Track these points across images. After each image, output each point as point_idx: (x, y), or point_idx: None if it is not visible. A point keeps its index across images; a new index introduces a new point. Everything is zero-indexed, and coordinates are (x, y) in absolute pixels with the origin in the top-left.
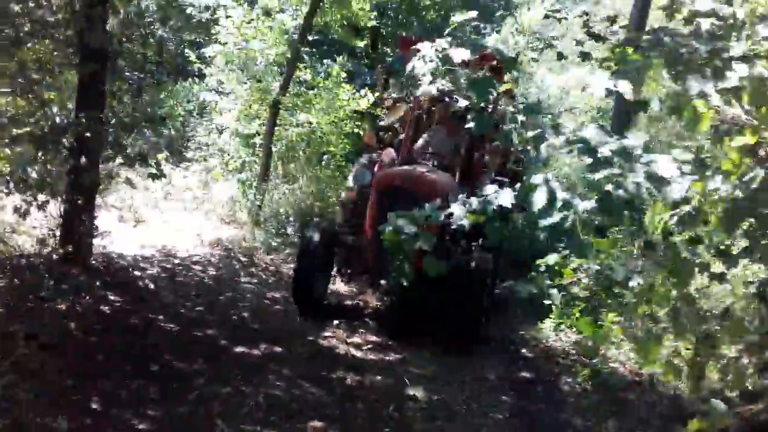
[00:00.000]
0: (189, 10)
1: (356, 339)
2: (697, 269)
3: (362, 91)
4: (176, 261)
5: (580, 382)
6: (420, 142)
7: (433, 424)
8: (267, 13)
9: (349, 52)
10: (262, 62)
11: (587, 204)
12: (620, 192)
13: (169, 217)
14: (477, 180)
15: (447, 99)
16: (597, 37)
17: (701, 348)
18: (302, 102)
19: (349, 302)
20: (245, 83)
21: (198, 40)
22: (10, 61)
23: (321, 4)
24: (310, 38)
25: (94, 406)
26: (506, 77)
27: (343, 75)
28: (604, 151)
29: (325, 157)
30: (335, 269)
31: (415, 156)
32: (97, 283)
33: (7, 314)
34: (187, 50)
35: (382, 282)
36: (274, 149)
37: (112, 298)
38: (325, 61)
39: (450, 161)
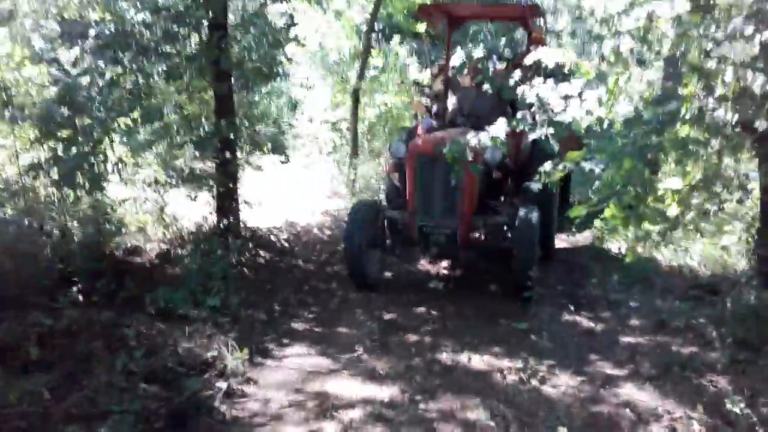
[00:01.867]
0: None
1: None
2: None
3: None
4: (299, 228)
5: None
6: (451, 104)
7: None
8: (338, 13)
9: (413, 35)
10: (339, 57)
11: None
12: None
13: (285, 195)
14: (519, 136)
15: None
16: None
17: None
18: (377, 85)
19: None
20: (327, 77)
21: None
22: (167, 91)
23: None
24: (376, 28)
25: (276, 306)
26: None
27: (409, 57)
28: None
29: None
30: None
31: (449, 119)
32: (249, 245)
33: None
34: (275, 52)
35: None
36: (358, 130)
37: (262, 253)
38: (391, 44)
39: (487, 120)
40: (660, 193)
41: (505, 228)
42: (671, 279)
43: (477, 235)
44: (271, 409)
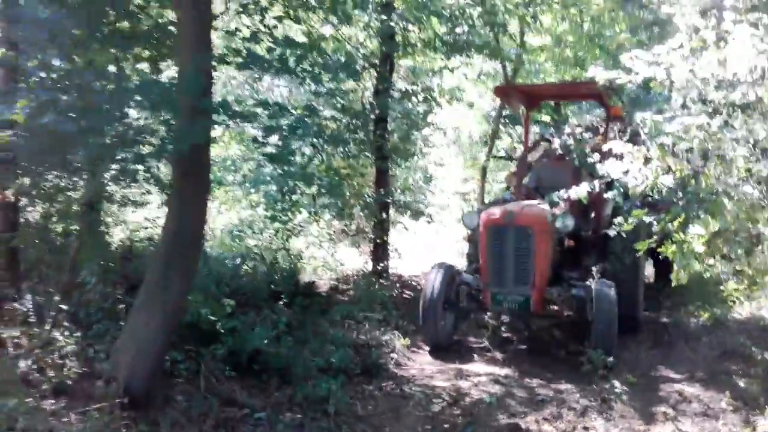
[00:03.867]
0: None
1: None
2: None
3: None
4: None
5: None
6: (527, 179)
7: None
8: (471, 105)
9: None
10: (470, 138)
11: None
12: None
13: (422, 251)
14: (596, 207)
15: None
16: None
17: None
18: (502, 164)
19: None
20: (459, 156)
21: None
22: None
23: None
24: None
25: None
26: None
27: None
28: None
29: None
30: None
31: (524, 193)
32: (396, 285)
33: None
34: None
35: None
36: (485, 200)
37: (406, 292)
38: (517, 128)
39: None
40: None
41: (581, 300)
42: None
43: (553, 306)
44: (424, 372)
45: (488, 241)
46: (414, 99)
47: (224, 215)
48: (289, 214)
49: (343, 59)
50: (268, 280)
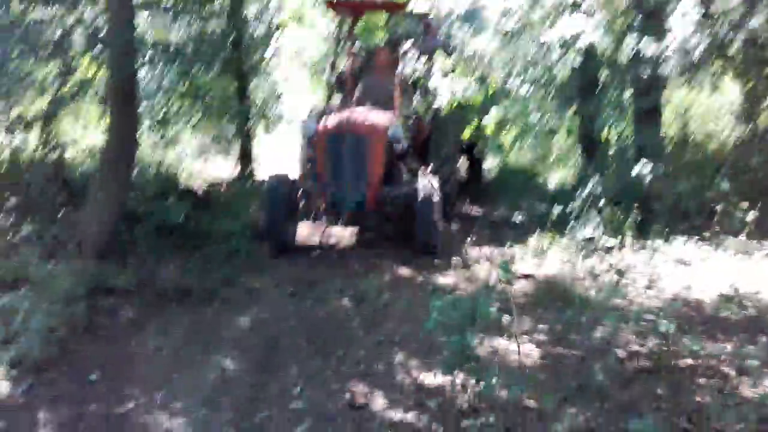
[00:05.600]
0: None
1: None
2: None
3: None
4: None
5: None
6: (357, 90)
7: None
8: (313, 25)
9: None
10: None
11: None
12: None
13: (278, 157)
14: (419, 115)
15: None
16: None
17: None
18: None
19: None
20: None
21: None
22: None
23: None
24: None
25: None
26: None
27: None
28: None
29: None
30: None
31: (356, 101)
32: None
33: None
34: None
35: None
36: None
37: None
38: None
39: (386, 103)
40: None
41: (409, 196)
42: None
43: (383, 204)
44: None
45: (326, 148)
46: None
47: None
48: (163, 127)
49: None
50: (155, 183)
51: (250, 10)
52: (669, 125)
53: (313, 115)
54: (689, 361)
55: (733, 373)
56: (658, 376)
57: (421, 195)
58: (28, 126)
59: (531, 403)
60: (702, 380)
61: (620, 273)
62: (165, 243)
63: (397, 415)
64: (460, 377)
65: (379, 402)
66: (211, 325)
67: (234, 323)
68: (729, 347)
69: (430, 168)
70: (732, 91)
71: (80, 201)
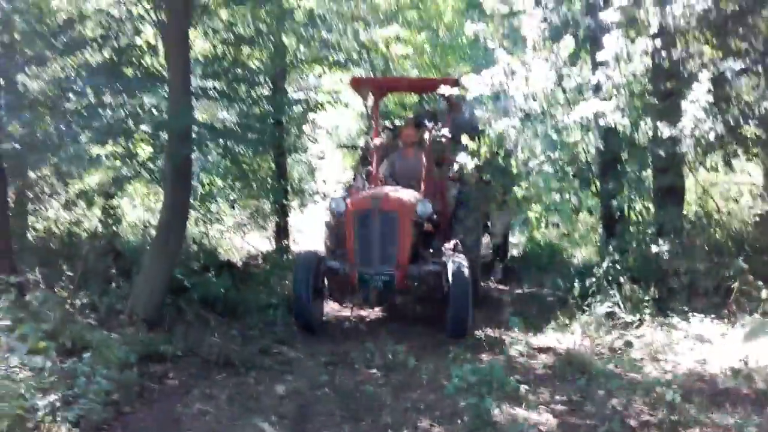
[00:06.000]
0: None
1: None
2: None
3: None
4: None
5: None
6: (383, 167)
7: None
8: (347, 105)
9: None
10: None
11: None
12: None
13: (313, 231)
14: (443, 191)
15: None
16: None
17: None
18: None
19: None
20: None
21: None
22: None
23: None
24: None
25: None
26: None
27: None
28: None
29: None
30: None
31: (381, 181)
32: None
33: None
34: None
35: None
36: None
37: None
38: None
39: (414, 181)
40: None
41: (438, 274)
42: None
43: (413, 282)
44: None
45: (355, 225)
46: (300, 104)
47: None
48: (207, 203)
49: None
50: (198, 256)
51: (290, 90)
52: (690, 204)
53: (341, 193)
54: (696, 430)
55: None
56: None
57: (451, 273)
58: (90, 202)
59: None
60: None
61: (629, 344)
62: (208, 314)
63: None
64: None
65: None
66: (251, 391)
67: (272, 390)
68: (734, 419)
69: (453, 244)
70: (754, 170)
71: (130, 273)
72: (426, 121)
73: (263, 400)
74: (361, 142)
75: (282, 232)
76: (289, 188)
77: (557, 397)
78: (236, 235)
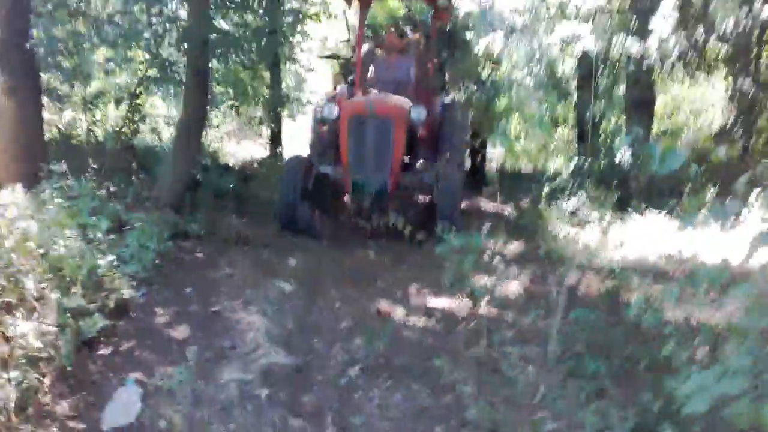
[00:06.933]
0: None
1: None
2: None
3: None
4: None
5: None
6: (369, 75)
7: None
8: (335, 16)
9: None
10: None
11: None
12: None
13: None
14: (431, 98)
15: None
16: None
17: None
18: None
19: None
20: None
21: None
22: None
23: None
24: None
25: None
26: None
27: None
28: None
29: None
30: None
31: (365, 90)
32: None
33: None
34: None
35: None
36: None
37: None
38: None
39: (398, 89)
40: None
41: (430, 185)
42: None
43: (405, 187)
44: None
45: (349, 131)
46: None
47: None
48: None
49: None
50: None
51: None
52: (661, 117)
53: (329, 100)
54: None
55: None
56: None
57: (442, 178)
58: (118, 102)
59: (509, 316)
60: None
61: (589, 236)
62: (220, 204)
63: (411, 320)
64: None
65: (399, 312)
66: (268, 262)
67: (286, 262)
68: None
69: (444, 157)
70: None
71: (149, 168)
72: (408, 30)
73: (279, 269)
74: (343, 52)
75: (274, 140)
76: (283, 97)
77: (524, 272)
78: (231, 142)
